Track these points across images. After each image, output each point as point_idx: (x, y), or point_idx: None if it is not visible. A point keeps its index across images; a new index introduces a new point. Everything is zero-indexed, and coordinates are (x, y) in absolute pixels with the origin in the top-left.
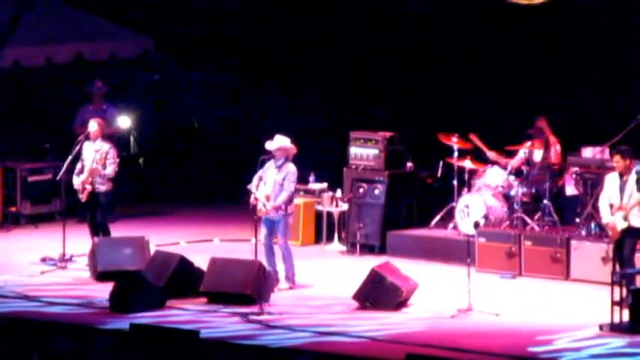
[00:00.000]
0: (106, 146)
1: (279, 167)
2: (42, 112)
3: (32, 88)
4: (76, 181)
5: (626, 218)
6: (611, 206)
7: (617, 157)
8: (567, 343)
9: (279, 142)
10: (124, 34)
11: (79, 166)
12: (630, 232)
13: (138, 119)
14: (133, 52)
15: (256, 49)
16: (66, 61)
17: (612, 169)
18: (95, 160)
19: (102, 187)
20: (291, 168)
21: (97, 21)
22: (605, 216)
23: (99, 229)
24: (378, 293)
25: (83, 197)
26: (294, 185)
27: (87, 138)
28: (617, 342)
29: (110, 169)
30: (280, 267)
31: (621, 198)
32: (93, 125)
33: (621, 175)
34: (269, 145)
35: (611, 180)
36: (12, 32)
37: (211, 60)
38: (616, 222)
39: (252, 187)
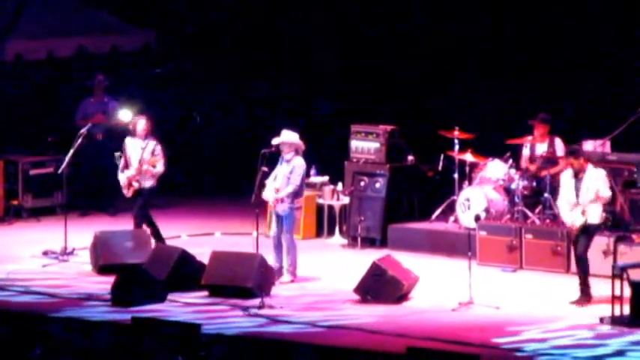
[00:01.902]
0: (152, 143)
1: (288, 161)
2: (44, 106)
3: (34, 81)
4: (122, 178)
5: (584, 213)
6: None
7: (571, 159)
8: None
9: (284, 137)
10: (125, 28)
11: (122, 162)
12: (587, 230)
13: (139, 112)
14: (134, 45)
15: (259, 45)
16: (68, 54)
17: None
18: (143, 157)
19: (147, 183)
20: (298, 162)
21: (99, 14)
22: (565, 215)
23: (143, 222)
24: (379, 286)
25: (129, 193)
26: (300, 179)
27: (132, 134)
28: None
29: (160, 166)
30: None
31: (577, 196)
32: (141, 122)
33: (576, 175)
34: (274, 140)
35: (566, 179)
36: (14, 26)
37: (213, 53)
38: (574, 219)
39: (267, 182)
